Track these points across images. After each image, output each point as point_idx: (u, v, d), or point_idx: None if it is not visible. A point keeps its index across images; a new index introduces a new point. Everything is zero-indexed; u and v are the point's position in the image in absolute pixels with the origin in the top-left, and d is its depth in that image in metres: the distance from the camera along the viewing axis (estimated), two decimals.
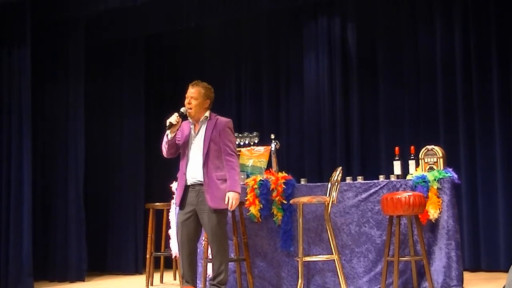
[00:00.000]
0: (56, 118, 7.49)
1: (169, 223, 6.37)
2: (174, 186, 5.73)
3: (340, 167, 5.59)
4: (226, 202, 4.95)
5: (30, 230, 6.77)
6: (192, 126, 5.13)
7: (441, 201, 5.47)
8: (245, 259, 5.73)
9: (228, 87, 8.40)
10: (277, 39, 8.16)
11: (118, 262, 7.85)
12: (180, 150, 5.15)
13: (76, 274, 7.22)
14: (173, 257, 6.54)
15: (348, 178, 5.94)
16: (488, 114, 6.83)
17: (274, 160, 6.25)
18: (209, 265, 5.42)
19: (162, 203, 6.59)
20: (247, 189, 5.85)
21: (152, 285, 6.60)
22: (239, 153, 6.31)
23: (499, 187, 6.70)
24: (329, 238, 5.48)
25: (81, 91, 7.50)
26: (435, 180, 5.48)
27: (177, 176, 5.17)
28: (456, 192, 5.66)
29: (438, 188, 5.48)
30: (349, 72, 7.64)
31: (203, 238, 5.61)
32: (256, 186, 5.82)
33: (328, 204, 5.46)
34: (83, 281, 7.20)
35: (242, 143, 7.00)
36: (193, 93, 5.10)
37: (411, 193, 5.27)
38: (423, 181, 5.50)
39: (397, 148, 5.91)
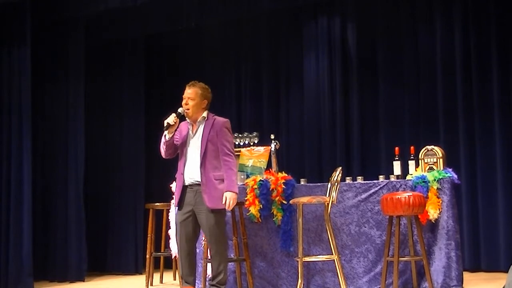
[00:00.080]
0: (56, 118, 7.49)
1: (169, 223, 6.37)
2: (174, 186, 5.73)
3: (340, 167, 5.59)
4: (223, 202, 4.95)
5: (30, 230, 6.77)
6: (190, 127, 5.14)
7: (441, 201, 5.47)
8: (245, 259, 5.73)
9: (228, 87, 8.40)
10: (277, 39, 8.16)
11: (118, 262, 7.85)
12: (179, 150, 5.16)
13: (76, 274, 7.22)
14: (173, 257, 6.54)
15: (348, 178, 5.94)
16: (488, 114, 6.83)
17: (274, 160, 6.25)
18: (209, 265, 5.41)
19: (162, 203, 6.59)
20: (247, 189, 5.85)
21: (152, 285, 6.60)
22: (239, 153, 6.32)
23: (499, 187, 6.69)
24: (329, 238, 5.48)
25: (81, 91, 7.50)
26: (435, 180, 5.48)
27: (176, 176, 5.18)
28: (456, 192, 5.66)
29: (438, 188, 5.48)
30: (349, 72, 7.64)
31: (203, 238, 5.61)
32: (256, 186, 5.83)
33: (328, 204, 5.46)
34: (83, 281, 7.20)
35: (242, 143, 7.01)
36: (190, 93, 5.11)
37: (411, 193, 5.27)
38: (423, 181, 5.50)
39: (397, 148, 5.91)
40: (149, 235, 6.54)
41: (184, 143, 5.13)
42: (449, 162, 5.86)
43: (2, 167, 6.79)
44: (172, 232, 6.16)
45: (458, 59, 7.02)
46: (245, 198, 5.84)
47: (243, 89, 8.33)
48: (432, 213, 5.45)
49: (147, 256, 6.48)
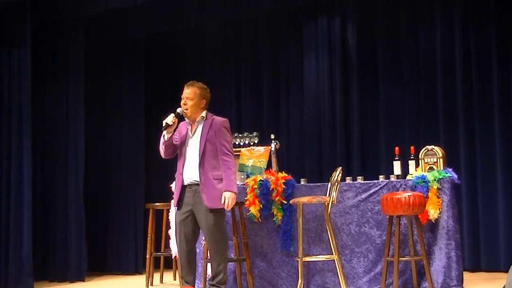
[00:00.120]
0: (56, 118, 7.49)
1: (169, 223, 6.37)
2: (173, 186, 5.73)
3: (340, 167, 5.59)
4: (222, 202, 4.95)
5: (30, 230, 6.77)
6: (189, 127, 5.15)
7: (441, 201, 5.48)
8: (245, 259, 5.74)
9: (228, 87, 8.40)
10: (277, 39, 8.16)
11: (118, 262, 7.85)
12: (178, 150, 5.17)
13: (76, 274, 7.22)
14: (173, 257, 6.54)
15: (348, 178, 5.94)
16: (488, 114, 6.83)
17: (274, 160, 6.25)
18: (209, 265, 5.41)
19: (162, 203, 6.59)
20: (247, 189, 5.85)
21: (152, 285, 6.60)
22: (239, 153, 6.32)
23: (499, 187, 6.70)
24: (329, 238, 5.48)
25: (81, 91, 7.50)
26: (435, 180, 5.48)
27: (175, 176, 5.18)
28: (456, 192, 5.66)
29: (438, 188, 5.48)
30: (349, 72, 7.64)
31: (203, 238, 5.61)
32: (256, 186, 5.83)
33: (328, 204, 5.46)
34: (83, 281, 7.20)
35: (242, 143, 7.00)
36: (189, 93, 5.12)
37: (411, 193, 5.27)
38: (423, 181, 5.50)
39: (397, 148, 5.91)
40: (149, 235, 6.54)
41: (183, 143, 5.13)
42: (449, 162, 5.86)
43: (2, 167, 6.79)
44: (172, 232, 6.16)
45: (458, 59, 7.02)
46: (245, 198, 5.84)
47: (243, 89, 8.33)
48: (432, 213, 5.45)
49: (147, 256, 6.48)
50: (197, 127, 5.13)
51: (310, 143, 7.76)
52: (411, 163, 5.81)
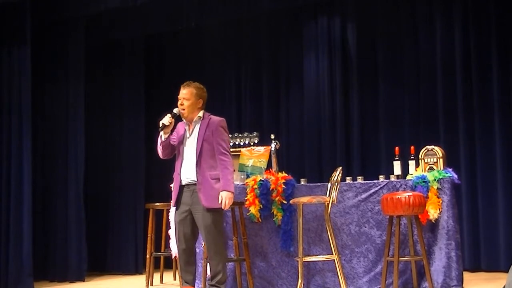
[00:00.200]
0: (56, 118, 7.49)
1: (169, 223, 6.36)
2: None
3: (340, 167, 5.59)
4: (219, 201, 4.96)
5: (30, 230, 6.77)
6: (186, 127, 5.16)
7: (441, 201, 5.48)
8: (245, 259, 5.73)
9: (228, 87, 8.40)
10: (277, 39, 8.16)
11: (118, 262, 7.85)
12: (176, 150, 5.18)
13: (76, 274, 7.22)
14: (173, 257, 6.54)
15: (348, 178, 5.94)
16: (488, 114, 6.83)
17: (274, 160, 6.25)
18: (209, 265, 5.41)
19: (162, 203, 6.58)
20: (247, 189, 5.86)
21: (152, 285, 6.60)
22: (239, 153, 6.32)
23: (499, 187, 6.70)
24: (329, 238, 5.48)
25: (81, 91, 7.50)
26: (435, 180, 5.48)
27: (173, 176, 5.19)
28: (456, 192, 5.66)
29: (438, 188, 5.48)
30: (349, 72, 7.64)
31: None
32: (256, 186, 5.83)
33: (328, 204, 5.46)
34: (83, 281, 7.20)
35: (242, 143, 7.01)
36: (185, 94, 5.12)
37: (411, 193, 5.27)
38: (423, 181, 5.50)
39: (397, 148, 5.91)
40: (149, 235, 6.54)
41: (181, 143, 5.14)
42: (449, 162, 5.86)
43: (2, 167, 6.79)
44: (172, 232, 6.16)
45: (458, 59, 7.02)
46: (245, 198, 5.84)
47: (243, 89, 8.32)
48: (432, 213, 5.45)
49: (147, 256, 6.48)
50: (195, 127, 5.13)
51: (310, 143, 7.75)
52: (411, 163, 5.81)
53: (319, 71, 7.75)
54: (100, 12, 7.29)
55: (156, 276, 6.90)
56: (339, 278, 5.46)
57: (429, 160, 5.74)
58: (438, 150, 5.76)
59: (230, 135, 7.06)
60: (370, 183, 5.76)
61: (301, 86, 7.91)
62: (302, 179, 6.04)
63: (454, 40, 7.06)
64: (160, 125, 5.07)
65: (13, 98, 6.88)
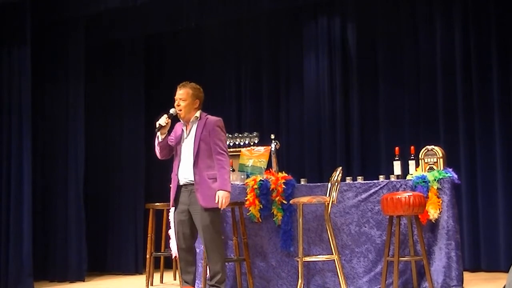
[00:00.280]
0: (56, 118, 7.49)
1: (169, 223, 6.36)
2: None
3: (340, 167, 5.59)
4: (216, 201, 4.96)
5: (30, 230, 6.77)
6: (184, 127, 5.16)
7: (441, 201, 5.47)
8: (245, 259, 5.73)
9: (228, 87, 8.40)
10: (277, 39, 8.16)
11: (118, 262, 7.85)
12: (174, 151, 5.19)
13: (76, 274, 7.22)
14: (173, 257, 6.54)
15: (348, 178, 5.94)
16: (488, 114, 6.83)
17: (274, 160, 6.25)
18: None
19: (162, 203, 6.58)
20: (247, 189, 5.85)
21: (152, 285, 6.60)
22: (239, 153, 6.32)
23: (499, 187, 6.70)
24: (329, 238, 5.48)
25: (81, 91, 7.50)
26: (435, 180, 5.48)
27: (171, 176, 5.19)
28: (456, 192, 5.66)
29: (438, 188, 5.48)
30: (349, 72, 7.64)
31: None
32: (256, 186, 5.82)
33: (328, 204, 5.46)
34: (83, 281, 7.20)
35: (242, 143, 7.01)
36: (182, 94, 5.13)
37: (411, 193, 5.27)
38: (423, 181, 5.50)
39: (397, 148, 5.91)
40: (149, 235, 6.54)
41: (179, 143, 5.16)
42: (449, 162, 5.86)
43: (2, 167, 6.79)
44: (172, 232, 6.16)
45: (458, 59, 7.02)
46: (245, 198, 5.84)
47: (243, 89, 8.33)
48: (432, 213, 5.45)
49: (147, 256, 6.48)
50: (192, 127, 5.15)
51: (310, 143, 7.75)
52: (411, 163, 5.81)
53: (319, 71, 7.75)
54: (100, 12, 7.29)
55: (156, 276, 6.90)
56: (339, 278, 5.46)
57: (429, 160, 5.74)
58: (438, 150, 5.76)
59: (230, 135, 7.10)
60: (370, 183, 5.76)
61: (301, 86, 7.91)
62: (302, 179, 6.04)
63: (454, 40, 7.06)
64: (157, 125, 5.09)
65: (13, 98, 6.88)
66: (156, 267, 6.92)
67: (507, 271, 5.01)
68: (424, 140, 6.61)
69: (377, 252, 5.65)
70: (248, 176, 6.01)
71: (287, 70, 8.08)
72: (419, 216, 5.37)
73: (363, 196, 5.73)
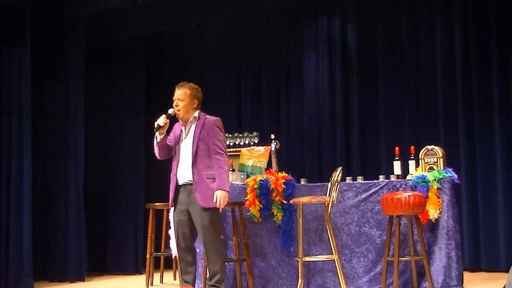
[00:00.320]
0: (56, 118, 7.49)
1: (169, 223, 6.36)
2: None
3: (340, 167, 5.59)
4: (214, 200, 4.96)
5: (30, 230, 6.77)
6: (182, 128, 5.17)
7: (441, 201, 5.48)
8: (245, 259, 5.73)
9: (228, 87, 8.40)
10: (277, 39, 8.16)
11: (118, 262, 7.84)
12: (172, 151, 5.19)
13: (76, 274, 7.22)
14: (173, 257, 6.54)
15: (348, 178, 5.94)
16: (488, 114, 6.83)
17: (274, 160, 6.25)
18: None
19: (162, 203, 6.57)
20: (247, 189, 5.85)
21: (152, 285, 6.60)
22: (239, 153, 6.32)
23: (499, 187, 6.70)
24: (329, 238, 5.48)
25: (81, 91, 7.50)
26: (435, 180, 5.48)
27: (170, 176, 5.19)
28: (456, 192, 5.66)
29: (438, 188, 5.48)
30: (349, 72, 7.65)
31: None
32: (256, 186, 5.82)
33: (328, 204, 5.46)
34: (83, 281, 7.20)
35: (242, 143, 7.01)
36: (180, 94, 5.14)
37: (411, 193, 5.27)
38: (423, 181, 5.50)
39: (397, 148, 5.91)
40: (149, 235, 6.54)
41: (177, 143, 5.17)
42: (449, 162, 5.86)
43: (2, 167, 6.79)
44: (172, 232, 6.16)
45: (458, 59, 7.02)
46: (245, 198, 5.84)
47: (243, 89, 8.33)
48: (432, 213, 5.45)
49: (147, 256, 6.48)
50: (190, 127, 5.15)
51: (310, 143, 7.76)
52: (411, 163, 5.81)
53: (319, 71, 7.75)
54: (100, 12, 7.28)
55: (156, 276, 6.90)
56: (339, 278, 5.46)
57: (429, 160, 5.74)
58: (438, 150, 5.76)
59: (230, 135, 7.10)
60: (370, 183, 5.76)
61: (301, 86, 7.91)
62: (302, 179, 6.04)
63: (454, 40, 7.06)
64: (155, 126, 5.09)
65: (13, 98, 6.88)
66: (156, 267, 6.92)
67: (507, 271, 5.01)
68: (424, 140, 6.62)
69: (377, 252, 5.65)
70: (248, 176, 6.01)
71: (287, 70, 8.08)
72: (419, 216, 5.37)
73: (363, 196, 5.73)
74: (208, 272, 5.16)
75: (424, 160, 5.75)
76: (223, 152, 5.07)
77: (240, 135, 7.22)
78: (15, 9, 6.91)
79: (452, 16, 7.09)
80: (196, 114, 5.16)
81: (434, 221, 5.49)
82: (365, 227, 5.71)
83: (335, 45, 7.69)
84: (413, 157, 5.83)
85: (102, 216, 8.01)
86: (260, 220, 5.89)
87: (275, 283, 5.92)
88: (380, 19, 7.57)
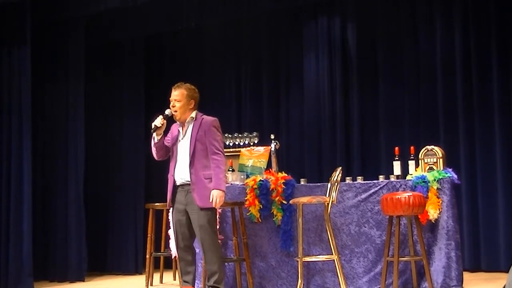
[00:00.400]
0: (56, 118, 7.49)
1: (169, 223, 6.34)
2: None
3: (340, 167, 5.59)
4: (210, 200, 4.96)
5: (30, 230, 6.77)
6: (180, 128, 5.17)
7: (441, 201, 5.47)
8: (245, 259, 5.73)
9: (228, 87, 8.40)
10: (277, 39, 8.16)
11: (118, 262, 7.85)
12: (170, 151, 5.19)
13: (76, 274, 7.22)
14: (173, 257, 6.54)
15: (348, 178, 5.94)
16: (488, 114, 6.83)
17: (274, 160, 6.25)
18: None
19: (162, 203, 6.56)
20: (247, 189, 5.86)
21: (152, 285, 6.60)
22: (239, 153, 6.32)
23: (499, 187, 6.69)
24: (329, 238, 5.48)
25: (81, 91, 7.50)
26: (435, 180, 5.48)
27: (167, 177, 5.20)
28: (456, 192, 5.66)
29: (438, 189, 5.48)
30: (349, 72, 7.64)
31: None
32: (256, 186, 5.82)
33: (328, 204, 5.46)
34: (83, 281, 7.20)
35: (242, 143, 7.01)
36: (176, 95, 5.15)
37: (411, 193, 5.27)
38: (423, 181, 5.50)
39: (397, 148, 5.91)
40: (149, 235, 6.54)
41: (175, 144, 5.17)
42: (449, 162, 5.86)
43: (2, 167, 6.79)
44: (172, 232, 6.16)
45: (458, 59, 7.02)
46: (245, 198, 5.84)
47: (243, 89, 8.33)
48: (432, 213, 5.45)
49: (147, 256, 6.48)
50: (188, 127, 5.16)
51: (310, 143, 7.75)
52: (411, 163, 5.81)
53: (319, 71, 7.75)
54: (100, 12, 7.28)
55: (156, 276, 6.90)
56: (339, 278, 5.46)
57: (429, 160, 5.74)
58: (438, 150, 5.76)
59: (230, 135, 7.11)
60: (370, 183, 5.76)
61: (301, 86, 7.91)
62: (302, 179, 6.04)
63: (454, 40, 7.06)
64: (153, 126, 5.10)
65: (13, 98, 6.88)
66: (156, 267, 6.92)
67: (507, 271, 5.01)
68: (424, 140, 6.61)
69: (377, 252, 5.65)
70: (248, 176, 6.01)
71: (287, 70, 8.08)
72: (419, 216, 5.37)
73: (363, 196, 5.73)
74: (206, 272, 5.16)
75: (424, 160, 5.75)
76: (220, 152, 5.08)
77: (240, 135, 7.22)
78: (15, 9, 6.91)
79: (452, 16, 7.09)
80: (193, 114, 5.16)
81: (434, 221, 5.49)
82: (365, 227, 5.71)
83: (335, 45, 7.69)
84: (413, 157, 5.83)
85: (102, 216, 8.01)
86: (260, 220, 5.89)
87: (274, 283, 5.92)
88: (380, 19, 7.56)
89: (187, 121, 5.15)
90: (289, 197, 5.77)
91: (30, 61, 6.92)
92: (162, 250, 7.01)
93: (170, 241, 6.33)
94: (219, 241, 5.69)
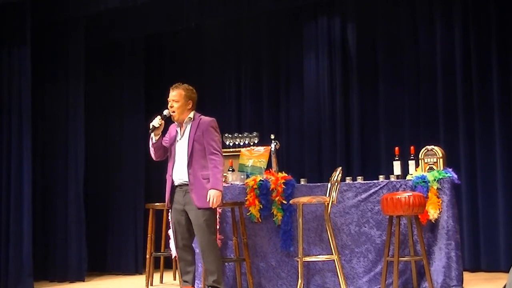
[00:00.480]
0: (56, 118, 7.49)
1: (169, 223, 6.34)
2: None
3: (340, 167, 5.59)
4: (207, 200, 4.96)
5: (30, 230, 6.77)
6: (178, 128, 5.18)
7: (441, 201, 5.47)
8: (245, 259, 5.73)
9: (228, 87, 8.40)
10: (277, 39, 8.16)
11: (118, 262, 7.85)
12: (168, 152, 5.20)
13: (76, 274, 7.22)
14: (173, 257, 6.54)
15: (348, 178, 5.94)
16: (488, 114, 6.83)
17: (274, 160, 6.25)
18: None
19: (162, 203, 6.55)
20: (247, 189, 5.86)
21: (152, 285, 6.60)
22: (239, 153, 6.32)
23: (499, 187, 6.69)
24: (329, 238, 5.48)
25: (81, 91, 7.50)
26: (435, 180, 5.48)
27: (166, 177, 5.20)
28: (456, 192, 5.66)
29: (438, 188, 5.48)
30: (349, 72, 7.64)
31: None
32: (256, 186, 5.82)
33: (328, 204, 5.46)
34: (83, 281, 7.20)
35: (242, 143, 7.01)
36: (174, 96, 5.16)
37: (411, 193, 5.27)
38: (423, 181, 5.50)
39: (397, 148, 5.91)
40: (149, 235, 6.54)
41: (173, 144, 5.18)
42: (449, 162, 5.86)
43: (2, 167, 6.79)
44: (172, 232, 6.16)
45: (458, 59, 7.02)
46: (245, 198, 5.84)
47: (243, 89, 8.32)
48: (432, 213, 5.45)
49: (147, 256, 6.48)
50: (186, 128, 5.17)
51: (310, 143, 7.75)
52: (411, 163, 5.81)
53: (319, 71, 7.75)
54: (100, 12, 7.28)
55: (156, 276, 6.90)
56: (339, 278, 5.46)
57: (429, 160, 5.74)
58: (438, 150, 5.76)
59: (230, 135, 7.11)
60: (370, 183, 5.76)
61: (301, 86, 7.91)
62: (302, 179, 6.04)
63: (454, 40, 7.06)
64: (150, 127, 5.11)
65: (13, 98, 6.88)
66: (156, 267, 6.92)
67: (507, 271, 5.01)
68: (424, 140, 6.61)
69: (377, 252, 5.65)
70: (248, 176, 6.01)
71: (287, 70, 8.08)
72: (419, 216, 5.37)
73: (363, 196, 5.73)
74: (205, 272, 5.16)
75: (424, 160, 5.75)
76: (218, 152, 5.08)
77: (240, 135, 7.22)
78: (15, 9, 6.91)
79: (452, 16, 7.09)
80: (191, 115, 5.17)
81: (434, 221, 5.49)
82: (365, 227, 5.71)
83: (335, 45, 7.69)
84: (413, 157, 5.83)
85: (102, 216, 8.01)
86: (260, 220, 5.89)
87: (275, 283, 5.92)
88: (380, 19, 7.56)
89: (185, 121, 5.15)
90: (289, 197, 5.77)
91: (30, 61, 6.92)
92: (162, 250, 7.01)
93: (170, 241, 6.32)
94: (219, 240, 5.70)
